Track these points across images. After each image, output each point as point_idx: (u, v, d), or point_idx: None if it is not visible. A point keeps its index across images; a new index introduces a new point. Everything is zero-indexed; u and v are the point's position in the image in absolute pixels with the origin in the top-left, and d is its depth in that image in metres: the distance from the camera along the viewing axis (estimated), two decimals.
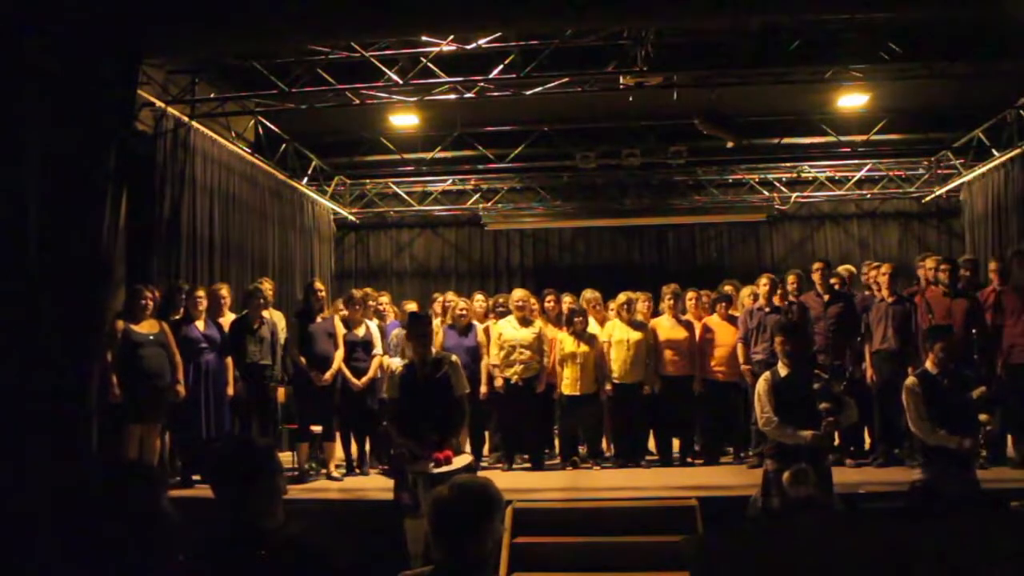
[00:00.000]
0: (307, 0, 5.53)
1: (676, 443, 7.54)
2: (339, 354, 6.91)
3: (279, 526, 2.30)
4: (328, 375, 6.81)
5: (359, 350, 7.07)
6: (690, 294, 7.71)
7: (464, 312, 7.38)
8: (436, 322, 7.39)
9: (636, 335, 7.26)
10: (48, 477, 3.93)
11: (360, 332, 7.13)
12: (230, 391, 6.70)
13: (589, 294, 7.92)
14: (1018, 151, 9.35)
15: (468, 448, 5.36)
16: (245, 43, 6.98)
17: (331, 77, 7.92)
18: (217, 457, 2.40)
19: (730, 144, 9.02)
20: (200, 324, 6.65)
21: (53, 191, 4.32)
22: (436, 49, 7.50)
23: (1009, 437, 6.68)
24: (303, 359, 6.82)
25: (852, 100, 9.65)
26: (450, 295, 8.06)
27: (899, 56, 7.53)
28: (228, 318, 7.01)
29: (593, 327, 7.45)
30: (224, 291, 7.15)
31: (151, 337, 6.23)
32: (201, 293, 6.78)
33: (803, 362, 5.16)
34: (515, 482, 6.38)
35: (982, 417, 4.86)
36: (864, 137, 10.82)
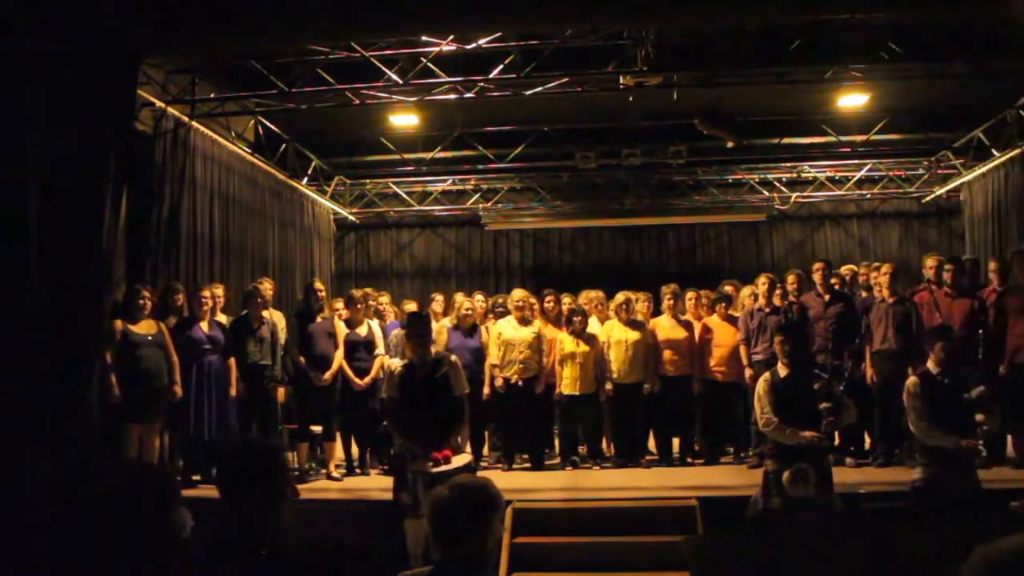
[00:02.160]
0: (307, 0, 5.52)
1: (676, 443, 7.54)
2: (339, 354, 6.91)
3: (285, 530, 2.28)
4: (328, 375, 6.81)
5: (361, 349, 7.07)
6: (690, 294, 7.71)
7: (469, 312, 7.36)
8: (444, 321, 7.39)
9: (634, 335, 7.25)
10: (48, 477, 3.93)
11: (362, 332, 7.13)
12: (233, 392, 6.69)
13: (592, 293, 7.90)
14: (1018, 151, 9.33)
15: (468, 448, 5.37)
16: (245, 43, 6.97)
17: (331, 77, 7.91)
18: (224, 456, 2.38)
19: (730, 144, 9.02)
20: (204, 325, 6.62)
21: (53, 191, 4.32)
22: (436, 49, 7.49)
23: (1009, 437, 6.68)
24: (303, 359, 6.82)
25: (852, 100, 9.63)
26: (459, 296, 7.79)
27: (899, 56, 7.51)
28: (220, 319, 6.95)
29: (595, 327, 7.45)
30: (219, 291, 7.10)
31: (149, 337, 6.22)
32: (206, 293, 6.74)
33: (803, 362, 5.17)
34: (515, 482, 6.38)
35: (978, 417, 4.87)
36: (864, 137, 10.80)
